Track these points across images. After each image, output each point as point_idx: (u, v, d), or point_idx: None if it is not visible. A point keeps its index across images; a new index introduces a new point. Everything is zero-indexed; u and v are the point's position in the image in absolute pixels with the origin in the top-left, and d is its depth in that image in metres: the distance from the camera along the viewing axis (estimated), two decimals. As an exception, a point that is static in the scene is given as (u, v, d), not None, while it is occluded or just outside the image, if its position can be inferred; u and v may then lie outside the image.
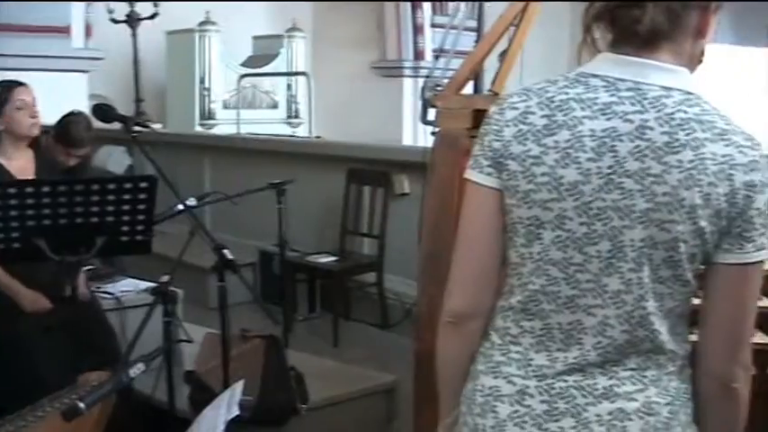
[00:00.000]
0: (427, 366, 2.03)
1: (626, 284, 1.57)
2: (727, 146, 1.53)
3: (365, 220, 6.42)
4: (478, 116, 2.54)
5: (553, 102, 1.59)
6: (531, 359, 1.65)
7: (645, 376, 1.63)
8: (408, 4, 12.44)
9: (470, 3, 4.12)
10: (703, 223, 1.53)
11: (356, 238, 6.56)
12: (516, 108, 1.63)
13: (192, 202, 3.98)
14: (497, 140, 1.63)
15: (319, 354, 5.12)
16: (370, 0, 12.33)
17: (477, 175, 1.67)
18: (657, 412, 1.62)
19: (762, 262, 1.59)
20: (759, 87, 2.92)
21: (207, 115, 11.44)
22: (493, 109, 1.69)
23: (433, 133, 2.95)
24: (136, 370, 2.38)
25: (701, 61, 1.66)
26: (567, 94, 1.59)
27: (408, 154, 6.09)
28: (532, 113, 1.60)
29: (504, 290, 1.71)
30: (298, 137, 10.54)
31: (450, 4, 11.52)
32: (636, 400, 1.61)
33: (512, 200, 1.62)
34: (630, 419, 1.60)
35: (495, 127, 1.65)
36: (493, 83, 3.12)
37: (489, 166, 1.65)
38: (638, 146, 1.53)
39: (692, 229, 1.53)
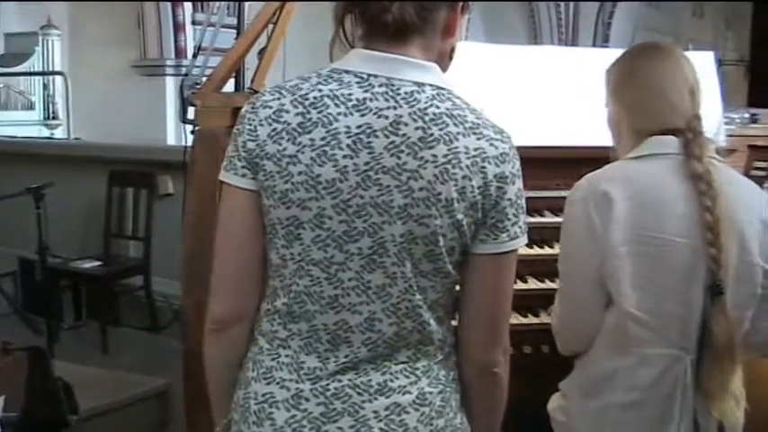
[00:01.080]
0: (197, 368, 2.01)
1: (390, 278, 1.59)
2: (478, 139, 1.57)
3: (129, 222, 6.30)
4: (237, 114, 2.54)
5: (307, 99, 1.57)
6: (303, 362, 1.64)
7: (416, 368, 1.66)
8: (168, 1, 12.20)
9: (230, 1, 4.11)
10: (460, 216, 1.56)
11: (121, 241, 6.41)
12: (270, 107, 1.60)
13: (-60, 211, 3.77)
14: (252, 140, 1.60)
15: (88, 362, 4.97)
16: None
17: (233, 176, 1.64)
18: (431, 402, 1.66)
19: (516, 250, 1.65)
20: (511, 83, 3.05)
21: (-44, 118, 10.81)
22: (245, 108, 1.66)
23: (192, 132, 2.92)
24: None
25: (451, 59, 1.70)
26: (320, 90, 1.57)
27: (171, 154, 5.97)
28: (286, 112, 1.58)
29: (267, 292, 1.70)
30: (56, 139, 10.13)
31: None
32: (410, 392, 1.64)
33: (269, 200, 1.60)
34: (407, 412, 1.63)
35: (249, 126, 1.62)
36: (252, 81, 3.12)
37: (244, 167, 1.62)
38: (393, 141, 1.54)
39: (449, 222, 1.56)
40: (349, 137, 1.55)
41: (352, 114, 1.56)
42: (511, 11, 12.63)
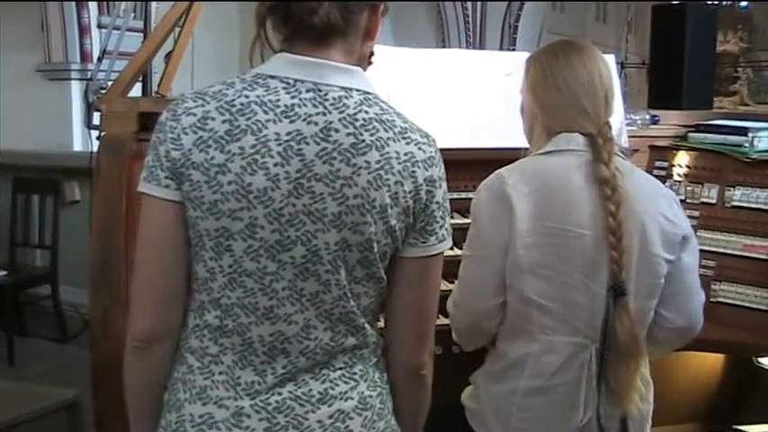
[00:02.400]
0: (106, 377, 1.97)
1: (324, 285, 1.57)
2: (408, 144, 1.58)
3: (35, 230, 6.20)
4: (144, 119, 2.51)
5: (234, 106, 1.52)
6: (239, 377, 1.59)
7: (354, 373, 1.65)
8: (73, 3, 11.95)
9: (136, 3, 4.07)
10: (393, 222, 1.56)
11: (27, 249, 6.32)
12: (193, 114, 1.53)
13: None
14: (176, 149, 1.53)
15: (-6, 375, 4.89)
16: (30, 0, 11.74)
17: (154, 187, 1.55)
18: (372, 405, 1.66)
19: (442, 252, 1.67)
20: (421, 86, 3.07)
21: None
22: (165, 116, 1.57)
23: (98, 138, 2.87)
24: None
25: (371, 62, 1.69)
26: (247, 97, 1.52)
27: (77, 160, 5.89)
28: (212, 119, 1.51)
29: (192, 307, 1.63)
30: (-43, 146, 9.88)
31: (117, 3, 11.23)
32: (352, 398, 1.63)
33: (196, 212, 1.53)
34: (351, 418, 1.63)
35: (172, 135, 1.54)
36: (159, 85, 3.09)
37: (168, 177, 1.54)
38: (324, 148, 1.52)
39: (383, 228, 1.56)
40: (279, 144, 1.51)
41: (281, 121, 1.52)
42: (419, 12, 12.71)
